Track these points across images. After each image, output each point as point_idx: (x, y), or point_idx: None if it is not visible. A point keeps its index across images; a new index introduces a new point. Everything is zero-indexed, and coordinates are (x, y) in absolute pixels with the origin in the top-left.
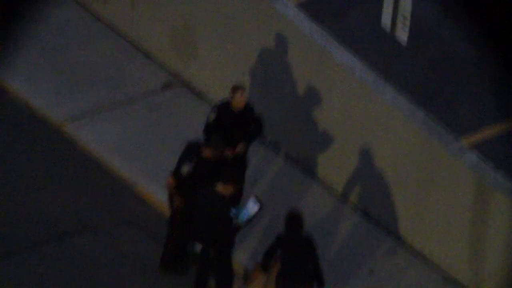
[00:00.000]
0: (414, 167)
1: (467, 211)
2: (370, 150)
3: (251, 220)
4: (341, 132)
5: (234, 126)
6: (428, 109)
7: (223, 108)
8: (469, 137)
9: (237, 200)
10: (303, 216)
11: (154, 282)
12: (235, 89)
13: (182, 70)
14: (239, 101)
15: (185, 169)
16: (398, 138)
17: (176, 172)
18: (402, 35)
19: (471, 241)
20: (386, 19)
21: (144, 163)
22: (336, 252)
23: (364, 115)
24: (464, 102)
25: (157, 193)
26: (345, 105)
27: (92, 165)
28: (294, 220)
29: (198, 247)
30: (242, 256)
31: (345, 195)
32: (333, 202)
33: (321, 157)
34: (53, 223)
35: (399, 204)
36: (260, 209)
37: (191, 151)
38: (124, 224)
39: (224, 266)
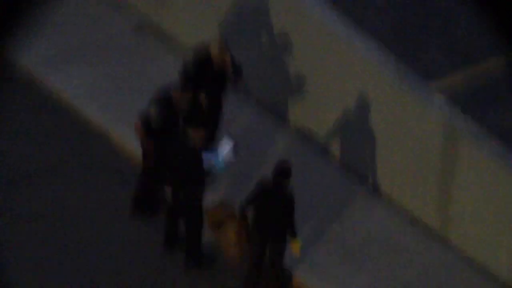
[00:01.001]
0: (385, 110)
1: (435, 155)
2: (342, 97)
3: (230, 158)
4: (314, 80)
5: (211, 71)
6: (399, 55)
7: (203, 55)
8: (438, 82)
9: (210, 144)
10: (291, 169)
11: (124, 226)
12: (212, 43)
13: (154, 15)
14: (214, 54)
15: (153, 112)
16: (369, 83)
17: (145, 116)
18: None
19: (438, 185)
20: None
21: (115, 109)
22: (306, 198)
23: (337, 64)
24: (433, 48)
25: (128, 138)
26: (318, 54)
27: (64, 111)
28: (283, 170)
29: (169, 191)
30: (213, 199)
31: (315, 139)
32: (304, 146)
33: (293, 103)
34: (23, 165)
35: (368, 146)
36: (235, 145)
37: (162, 95)
38: (95, 168)
39: (194, 210)
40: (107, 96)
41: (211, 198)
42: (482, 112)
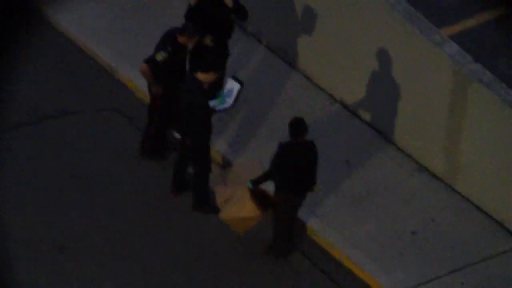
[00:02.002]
0: (395, 56)
1: (445, 103)
2: (351, 39)
3: (236, 98)
4: (322, 22)
5: (215, 12)
6: (411, 0)
7: None
8: (450, 28)
9: (218, 88)
10: (306, 124)
11: (133, 167)
12: None
13: None
14: None
15: (160, 56)
16: (380, 28)
17: (151, 59)
18: None
19: (447, 134)
20: None
21: (125, 49)
22: (314, 141)
23: (347, 8)
24: None
25: (138, 80)
26: None
27: (73, 49)
28: (299, 125)
29: (177, 135)
30: (221, 144)
31: (324, 85)
32: (313, 91)
33: (302, 47)
34: (34, 107)
35: (377, 93)
36: (241, 86)
37: (168, 38)
38: (105, 110)
39: (201, 153)
40: (118, 38)
41: (221, 144)
42: (494, 60)
